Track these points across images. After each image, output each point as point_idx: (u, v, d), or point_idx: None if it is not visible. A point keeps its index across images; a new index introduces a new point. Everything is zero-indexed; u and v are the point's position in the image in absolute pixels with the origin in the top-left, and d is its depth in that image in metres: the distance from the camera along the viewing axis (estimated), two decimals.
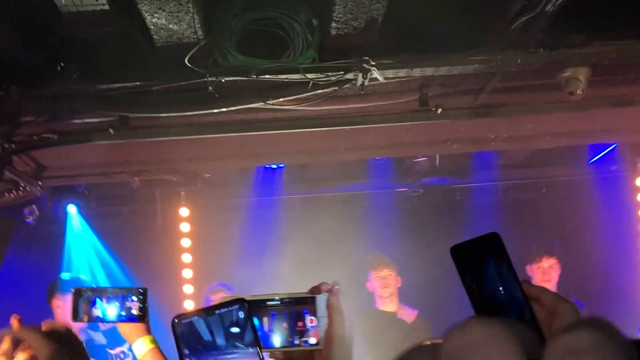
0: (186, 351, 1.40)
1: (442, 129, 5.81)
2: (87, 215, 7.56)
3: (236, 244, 7.75)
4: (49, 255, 7.53)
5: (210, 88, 4.66)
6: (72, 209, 7.38)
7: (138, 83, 4.73)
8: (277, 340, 1.73)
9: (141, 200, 7.77)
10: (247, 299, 1.73)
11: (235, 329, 1.40)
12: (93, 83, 4.75)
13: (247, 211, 7.87)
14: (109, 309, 2.70)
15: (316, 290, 1.79)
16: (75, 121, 5.18)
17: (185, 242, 7.98)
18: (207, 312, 1.41)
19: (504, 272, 1.41)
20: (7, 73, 4.61)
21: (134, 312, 2.70)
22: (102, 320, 2.72)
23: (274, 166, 7.28)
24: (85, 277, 6.51)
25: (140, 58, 4.65)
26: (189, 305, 7.80)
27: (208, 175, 7.50)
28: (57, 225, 7.54)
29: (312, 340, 1.75)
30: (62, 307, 6.10)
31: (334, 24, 4.42)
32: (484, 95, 5.26)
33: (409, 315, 6.78)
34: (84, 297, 2.71)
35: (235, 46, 4.58)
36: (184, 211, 7.92)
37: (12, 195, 6.39)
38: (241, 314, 1.41)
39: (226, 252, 7.70)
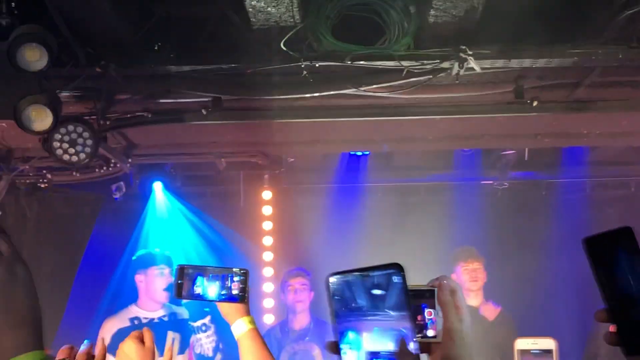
0: (337, 310, 1.37)
1: (533, 122, 5.70)
2: (172, 194, 7.67)
3: (317, 229, 7.75)
4: (133, 231, 7.66)
5: (305, 72, 4.66)
6: (157, 186, 7.49)
7: (233, 65, 4.76)
8: None
9: (225, 182, 7.84)
10: None
11: (386, 292, 1.37)
12: (189, 64, 4.79)
13: (330, 197, 7.87)
14: (210, 288, 2.73)
15: (436, 283, 1.77)
16: (169, 101, 5.24)
17: (267, 225, 8.03)
18: (361, 272, 1.38)
19: (636, 267, 1.38)
20: (106, 51, 4.68)
21: (235, 292, 2.72)
22: (203, 298, 2.75)
23: (359, 153, 7.26)
24: (159, 250, 6.61)
25: (236, 40, 4.67)
26: (268, 288, 7.84)
27: (292, 159, 7.52)
28: (142, 202, 7.67)
29: (430, 333, 1.73)
30: (145, 282, 6.21)
31: (432, 12, 4.36)
32: (580, 89, 5.15)
33: (491, 311, 6.67)
34: (187, 275, 2.75)
35: (330, 31, 4.57)
36: (266, 194, 7.96)
37: (102, 171, 6.52)
38: (395, 279, 1.38)
39: (307, 236, 7.71)
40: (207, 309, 6.37)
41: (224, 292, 2.73)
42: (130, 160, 6.34)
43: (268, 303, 7.82)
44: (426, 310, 1.75)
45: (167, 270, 6.18)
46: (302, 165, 7.72)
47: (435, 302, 1.75)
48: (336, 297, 1.38)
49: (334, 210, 7.85)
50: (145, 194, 7.60)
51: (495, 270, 6.99)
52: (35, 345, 1.09)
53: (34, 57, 4.35)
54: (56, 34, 4.42)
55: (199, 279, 2.74)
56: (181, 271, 2.77)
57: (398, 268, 1.38)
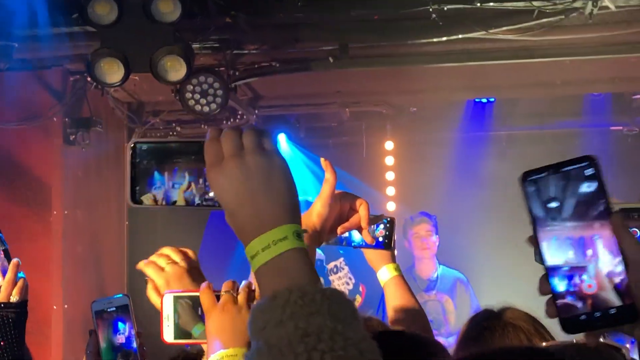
0: (534, 213, 1.26)
1: None
2: (296, 145, 7.77)
3: (441, 178, 7.70)
4: None
5: (434, 16, 4.62)
6: (282, 137, 7.59)
7: (361, 11, 4.75)
8: None
9: (348, 133, 7.87)
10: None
11: (583, 191, 1.24)
12: (317, 12, 4.82)
13: (453, 146, 7.80)
14: (355, 233, 2.74)
15: None
16: (296, 50, 5.28)
17: (390, 176, 8.03)
18: (554, 168, 1.25)
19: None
20: (235, 2, 4.76)
21: (380, 238, 2.73)
22: (349, 243, 2.77)
23: (484, 100, 7.15)
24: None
25: None
26: None
27: (414, 109, 7.49)
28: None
29: None
30: None
31: None
32: None
33: None
34: None
35: None
36: (389, 144, 7.96)
37: (229, 123, 6.65)
38: (590, 172, 1.23)
39: (430, 186, 7.68)
40: (340, 251, 6.46)
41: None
42: (256, 111, 6.45)
43: None
44: None
45: None
46: (424, 115, 7.67)
47: None
48: (534, 198, 1.29)
49: (457, 159, 7.78)
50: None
51: None
52: (291, 219, 1.23)
53: (168, 9, 4.47)
54: None
55: None
56: None
57: (590, 160, 1.24)
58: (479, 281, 6.74)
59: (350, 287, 6.42)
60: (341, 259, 6.44)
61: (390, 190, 8.05)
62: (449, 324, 6.39)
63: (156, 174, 1.40)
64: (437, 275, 6.54)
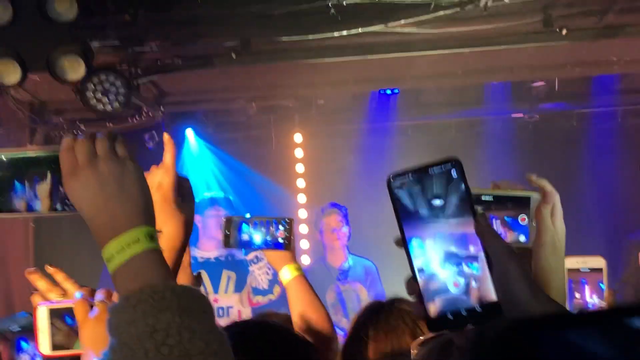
0: (402, 214, 1.30)
1: (562, 51, 5.69)
2: (204, 140, 7.74)
3: (349, 169, 7.80)
4: None
5: (332, 10, 4.67)
6: (190, 132, 7.56)
7: (260, 6, 4.77)
8: None
9: (256, 127, 7.88)
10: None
11: (448, 192, 1.28)
12: (216, 7, 4.82)
13: (360, 137, 7.89)
14: (256, 235, 2.79)
15: (539, 190, 1.75)
16: (198, 46, 5.27)
17: (300, 168, 8.08)
18: (420, 171, 1.29)
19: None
20: None
21: (280, 240, 2.78)
22: (249, 245, 2.81)
23: (389, 92, 7.26)
24: (211, 194, 6.75)
25: None
26: (303, 230, 7.91)
27: (322, 101, 7.55)
28: (176, 150, 7.73)
29: (522, 239, 1.73)
30: (202, 223, 6.35)
31: None
32: (610, 15, 5.10)
33: None
34: (233, 223, 2.81)
35: None
36: (297, 137, 8.00)
37: (135, 121, 6.59)
38: (454, 173, 1.28)
39: (340, 177, 7.76)
40: None
41: (269, 238, 2.79)
42: (162, 108, 6.40)
43: (304, 244, 7.90)
44: (520, 216, 1.74)
45: (222, 212, 6.32)
46: (332, 107, 7.74)
47: (529, 208, 1.72)
48: (401, 200, 1.32)
49: (365, 150, 7.87)
50: (177, 142, 7.64)
51: None
52: (144, 222, 1.29)
53: (63, 7, 4.41)
54: None
55: (245, 226, 2.80)
56: (228, 222, 2.84)
57: (455, 161, 1.29)
58: (386, 269, 6.85)
59: (270, 277, 6.43)
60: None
61: (301, 183, 8.10)
62: None
63: (17, 183, 1.45)
64: (348, 265, 6.62)
